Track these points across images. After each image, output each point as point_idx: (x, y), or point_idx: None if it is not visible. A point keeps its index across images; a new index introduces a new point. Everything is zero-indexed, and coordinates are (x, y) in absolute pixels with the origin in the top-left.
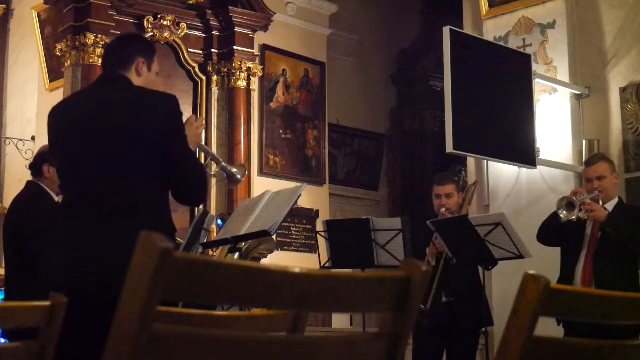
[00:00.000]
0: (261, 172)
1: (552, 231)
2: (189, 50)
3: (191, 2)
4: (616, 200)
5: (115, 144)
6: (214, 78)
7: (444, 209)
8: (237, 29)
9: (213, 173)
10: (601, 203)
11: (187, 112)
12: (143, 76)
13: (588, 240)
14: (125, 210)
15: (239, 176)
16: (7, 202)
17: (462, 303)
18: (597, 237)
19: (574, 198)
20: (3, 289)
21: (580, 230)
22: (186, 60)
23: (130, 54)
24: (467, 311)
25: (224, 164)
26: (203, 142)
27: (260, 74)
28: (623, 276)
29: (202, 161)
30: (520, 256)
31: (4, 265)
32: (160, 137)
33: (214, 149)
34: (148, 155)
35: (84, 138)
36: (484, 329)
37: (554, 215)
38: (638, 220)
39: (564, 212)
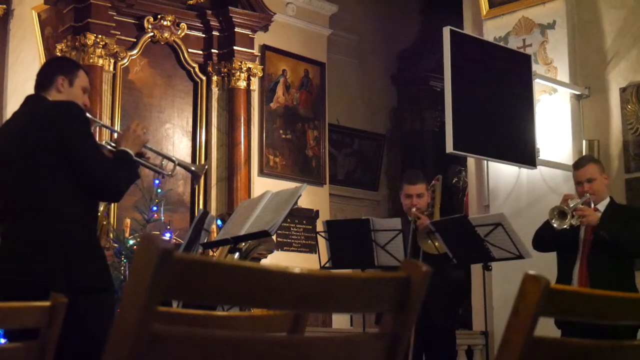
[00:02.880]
0: (261, 173)
1: (547, 239)
2: (189, 50)
3: (191, 2)
4: (607, 200)
5: (23, 155)
6: (214, 78)
7: (414, 209)
8: (237, 29)
9: (170, 173)
10: (593, 205)
11: (187, 112)
12: (64, 92)
13: (582, 243)
14: (32, 215)
15: (193, 168)
16: None
17: (433, 301)
18: (591, 240)
19: (565, 207)
20: None
21: (574, 234)
22: (186, 61)
23: (50, 75)
24: (439, 309)
25: (178, 161)
26: (157, 144)
27: (260, 74)
28: (618, 277)
29: (155, 162)
30: (520, 256)
31: None
32: (58, 140)
33: (214, 150)
34: (54, 161)
35: (3, 154)
36: (483, 330)
37: (548, 223)
38: (631, 221)
39: (557, 221)
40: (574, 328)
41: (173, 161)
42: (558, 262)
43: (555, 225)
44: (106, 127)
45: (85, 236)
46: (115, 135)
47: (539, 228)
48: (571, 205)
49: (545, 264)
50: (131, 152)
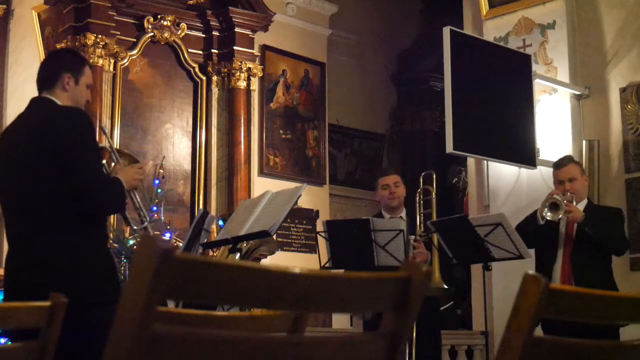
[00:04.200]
0: (261, 173)
1: (529, 234)
2: (189, 50)
3: (191, 2)
4: (585, 201)
5: (28, 161)
6: (214, 78)
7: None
8: (237, 29)
9: (136, 227)
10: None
11: (187, 112)
12: (69, 91)
13: (563, 239)
14: (37, 225)
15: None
16: None
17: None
18: (573, 236)
19: (558, 198)
20: (2, 289)
21: (554, 230)
22: (186, 61)
23: (55, 72)
24: (423, 309)
25: (149, 225)
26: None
27: (260, 74)
28: (599, 273)
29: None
30: (520, 256)
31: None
32: (61, 146)
33: (214, 150)
34: (58, 168)
35: (8, 160)
36: (483, 330)
37: (530, 219)
38: (612, 219)
39: (549, 212)
40: (554, 327)
41: (144, 222)
42: (537, 259)
43: (548, 216)
44: (113, 152)
45: (92, 247)
46: (114, 161)
47: (519, 223)
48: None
49: None
50: (124, 184)
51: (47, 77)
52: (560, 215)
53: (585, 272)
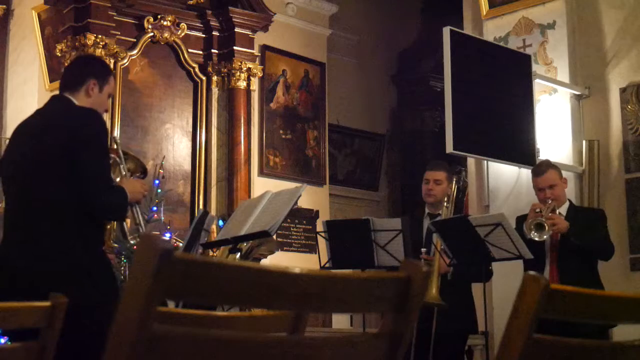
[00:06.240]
0: (261, 173)
1: None
2: (189, 50)
3: (191, 2)
4: (567, 204)
5: (38, 159)
6: (214, 78)
7: (431, 198)
8: (237, 30)
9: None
10: (557, 212)
11: (187, 112)
12: (92, 97)
13: (549, 248)
14: (39, 221)
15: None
16: None
17: (448, 306)
18: (558, 244)
19: (542, 219)
20: None
21: (540, 241)
22: (186, 61)
23: (82, 75)
24: (453, 314)
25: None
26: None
27: (260, 74)
28: (586, 277)
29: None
30: (520, 256)
31: None
32: (72, 143)
33: (214, 150)
34: (66, 169)
35: (21, 155)
36: (483, 330)
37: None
38: (596, 223)
39: (536, 234)
40: (542, 327)
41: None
42: (525, 268)
43: (536, 238)
44: (121, 163)
45: (90, 249)
46: (123, 171)
47: None
48: (543, 214)
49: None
50: (128, 194)
51: (73, 79)
52: (546, 236)
53: (572, 278)
